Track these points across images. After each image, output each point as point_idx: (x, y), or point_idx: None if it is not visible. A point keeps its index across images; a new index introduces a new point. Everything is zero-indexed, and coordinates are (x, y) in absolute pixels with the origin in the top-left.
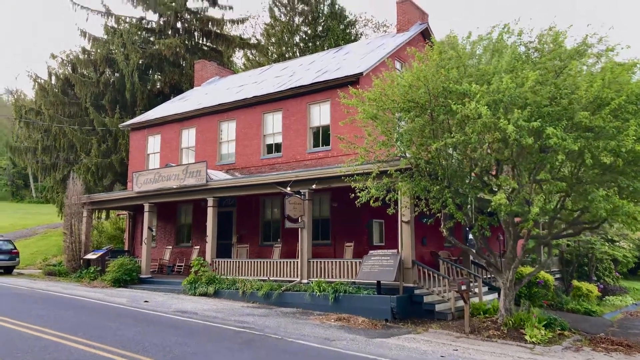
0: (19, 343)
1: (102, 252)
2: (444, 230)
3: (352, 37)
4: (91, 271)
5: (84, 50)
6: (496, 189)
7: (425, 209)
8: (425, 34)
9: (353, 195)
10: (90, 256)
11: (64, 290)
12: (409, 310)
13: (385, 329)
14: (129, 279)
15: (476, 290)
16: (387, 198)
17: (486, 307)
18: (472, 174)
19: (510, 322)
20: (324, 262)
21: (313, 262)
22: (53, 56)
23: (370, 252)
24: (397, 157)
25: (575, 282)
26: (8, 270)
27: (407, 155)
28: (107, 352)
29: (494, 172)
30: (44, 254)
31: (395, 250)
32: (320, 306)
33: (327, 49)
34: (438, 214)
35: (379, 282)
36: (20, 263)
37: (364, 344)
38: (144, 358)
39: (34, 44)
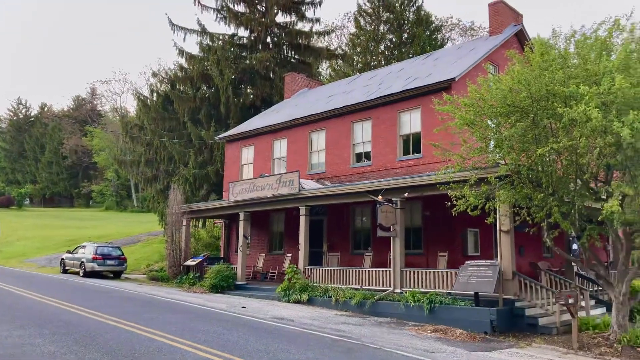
0: (135, 344)
1: (200, 259)
2: (548, 240)
3: (439, 43)
4: (190, 277)
5: (181, 68)
6: (605, 197)
7: (527, 218)
8: (520, 36)
9: (449, 203)
10: (189, 263)
11: (168, 295)
12: (510, 324)
13: (485, 342)
14: (225, 285)
15: (582, 303)
16: (486, 207)
17: (595, 322)
18: (578, 181)
19: (625, 339)
20: (418, 271)
21: (406, 271)
22: (154, 74)
23: (467, 262)
24: (495, 164)
25: None
26: (117, 275)
27: (507, 161)
28: (215, 356)
29: (601, 179)
30: (147, 260)
31: (494, 261)
32: (415, 317)
33: (413, 56)
34: (542, 224)
35: (476, 293)
36: (127, 268)
37: (465, 357)
38: None
39: (133, 62)
